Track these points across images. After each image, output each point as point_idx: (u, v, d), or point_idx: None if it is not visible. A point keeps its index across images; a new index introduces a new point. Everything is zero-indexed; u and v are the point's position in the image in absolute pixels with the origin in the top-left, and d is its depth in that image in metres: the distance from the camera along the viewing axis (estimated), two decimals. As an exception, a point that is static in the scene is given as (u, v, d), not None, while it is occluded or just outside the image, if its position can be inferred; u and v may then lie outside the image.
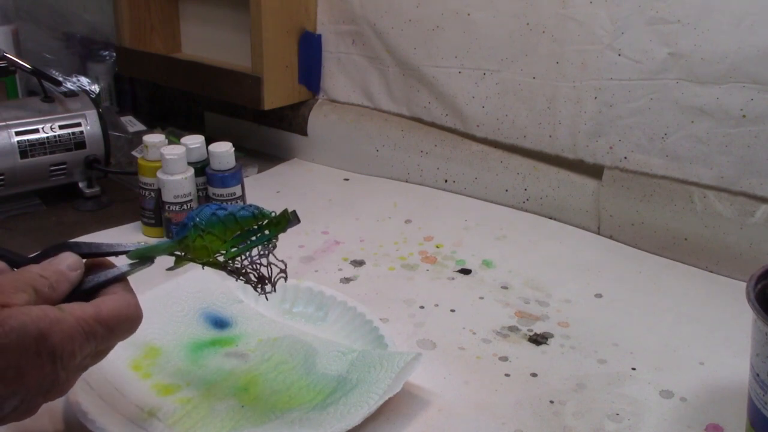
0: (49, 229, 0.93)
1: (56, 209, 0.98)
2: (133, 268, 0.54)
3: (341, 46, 1.09)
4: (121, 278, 0.52)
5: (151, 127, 1.22)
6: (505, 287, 0.79)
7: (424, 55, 1.00)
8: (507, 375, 0.65)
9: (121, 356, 0.63)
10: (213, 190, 0.87)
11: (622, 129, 0.86)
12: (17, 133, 0.95)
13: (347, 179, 1.08)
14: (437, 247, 0.87)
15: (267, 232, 0.55)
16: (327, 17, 1.09)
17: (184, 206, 0.86)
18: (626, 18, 0.83)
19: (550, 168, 0.93)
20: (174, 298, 0.70)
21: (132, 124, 1.23)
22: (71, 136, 0.98)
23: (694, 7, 0.79)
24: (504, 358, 0.67)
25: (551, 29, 0.89)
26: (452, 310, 0.75)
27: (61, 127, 0.97)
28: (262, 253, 0.54)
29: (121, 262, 0.53)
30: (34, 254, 0.53)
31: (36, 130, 0.96)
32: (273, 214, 0.55)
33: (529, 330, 0.71)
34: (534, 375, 0.65)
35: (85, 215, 0.97)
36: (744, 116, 0.78)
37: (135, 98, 1.38)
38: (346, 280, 0.80)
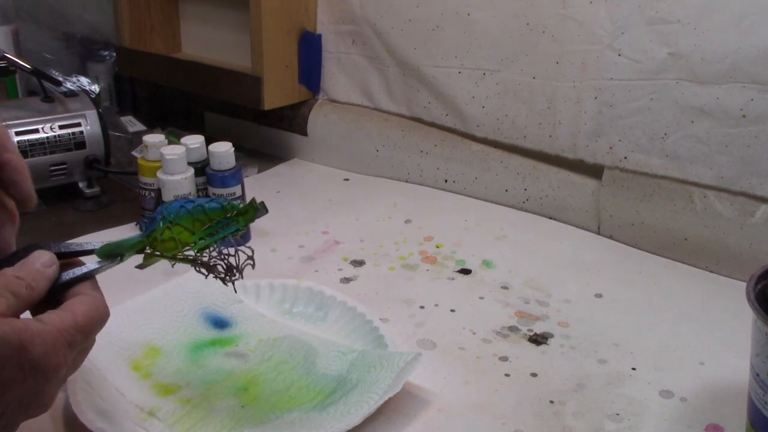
0: (49, 229, 0.93)
1: (56, 209, 0.98)
2: (102, 266, 0.53)
3: (341, 46, 1.09)
4: (89, 276, 0.51)
5: (151, 127, 1.22)
6: (505, 287, 0.79)
7: (424, 55, 1.00)
8: (507, 375, 0.65)
9: (121, 356, 0.63)
10: (213, 190, 0.87)
11: (622, 129, 0.86)
12: (17, 133, 0.95)
13: (347, 179, 1.08)
14: (437, 247, 0.87)
15: (235, 223, 0.54)
16: (327, 17, 1.09)
17: (184, 206, 0.85)
18: (626, 18, 0.83)
19: (550, 168, 0.93)
20: (174, 298, 0.70)
21: (132, 124, 1.23)
22: (71, 136, 0.98)
23: (694, 7, 0.79)
24: (504, 358, 0.67)
25: (551, 29, 0.89)
26: (452, 310, 0.75)
27: (61, 127, 0.97)
28: (231, 243, 0.54)
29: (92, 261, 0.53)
30: (2, 258, 0.52)
31: (36, 130, 0.96)
32: (240, 205, 0.54)
33: (529, 330, 0.71)
34: (534, 375, 0.65)
35: (85, 215, 0.97)
36: (744, 116, 0.78)
37: (135, 98, 1.38)
38: (346, 280, 0.80)
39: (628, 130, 0.85)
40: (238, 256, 0.54)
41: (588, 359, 0.67)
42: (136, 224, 0.55)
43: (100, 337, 0.62)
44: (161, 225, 0.53)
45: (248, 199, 0.57)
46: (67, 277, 0.50)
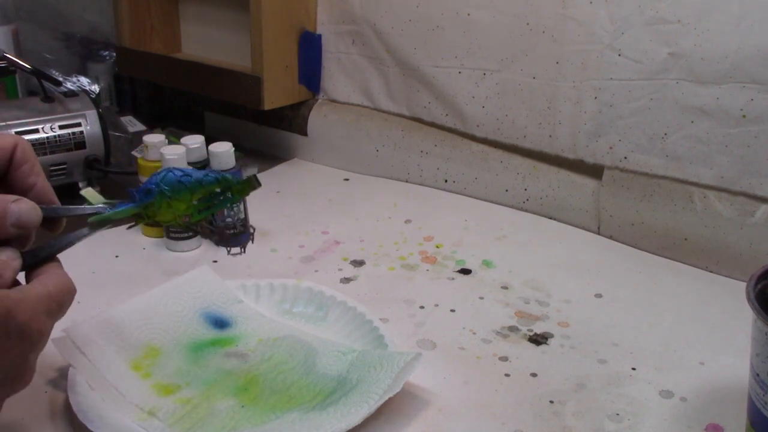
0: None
1: (56, 209, 0.98)
2: (92, 231, 0.53)
3: (341, 46, 1.09)
4: (53, 256, 0.52)
5: (151, 127, 1.22)
6: (505, 287, 0.79)
7: (424, 55, 1.00)
8: (507, 375, 0.65)
9: (121, 356, 0.63)
10: (213, 190, 0.87)
11: (622, 129, 0.86)
12: (17, 133, 0.95)
13: (347, 179, 1.08)
14: (437, 247, 0.87)
15: (229, 195, 0.56)
16: (327, 17, 1.09)
17: (184, 206, 0.85)
18: (626, 18, 0.83)
19: (550, 168, 0.93)
20: (174, 298, 0.70)
21: (132, 124, 1.23)
22: (71, 136, 0.98)
23: (694, 7, 0.79)
24: (504, 358, 0.67)
25: (551, 29, 0.89)
26: (452, 310, 0.75)
27: (61, 127, 0.97)
28: (228, 214, 0.55)
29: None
30: None
31: (36, 130, 0.96)
32: (236, 180, 0.56)
33: (529, 330, 0.71)
34: (534, 375, 0.65)
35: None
36: (744, 116, 0.78)
37: (135, 98, 1.38)
38: (346, 280, 0.80)
39: (628, 130, 0.85)
40: (237, 228, 0.55)
41: (588, 359, 0.67)
42: (128, 191, 0.55)
43: (100, 338, 0.62)
44: (159, 199, 0.54)
45: (244, 176, 0.57)
46: (35, 259, 0.51)
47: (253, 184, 0.56)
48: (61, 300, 0.48)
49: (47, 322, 0.47)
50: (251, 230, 0.56)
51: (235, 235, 0.56)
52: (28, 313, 0.45)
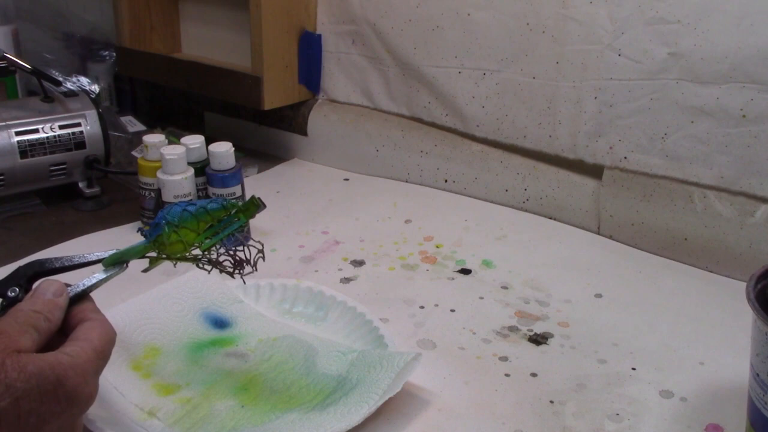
0: (48, 229, 0.93)
1: (56, 209, 0.98)
2: (109, 274, 0.55)
3: (341, 46, 1.09)
4: (84, 295, 0.53)
5: (151, 127, 1.22)
6: (505, 287, 0.79)
7: (424, 55, 1.00)
8: (507, 375, 0.65)
9: (121, 356, 0.63)
10: (213, 190, 0.87)
11: (622, 129, 0.86)
12: (17, 133, 0.95)
13: (347, 179, 1.08)
14: (437, 247, 0.87)
15: (237, 220, 0.56)
16: (327, 17, 1.09)
17: (184, 206, 0.86)
18: (626, 18, 0.83)
19: (550, 168, 0.93)
20: (174, 298, 0.70)
21: (132, 124, 1.23)
22: (71, 136, 0.98)
23: (694, 7, 0.79)
24: (504, 358, 0.67)
25: (551, 29, 0.89)
26: (452, 310, 0.75)
27: (61, 127, 0.97)
28: (236, 239, 0.55)
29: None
30: (5, 277, 0.53)
31: (36, 130, 0.96)
32: (240, 203, 0.56)
33: (529, 330, 0.71)
34: (534, 375, 0.65)
35: (85, 215, 0.97)
36: (744, 116, 0.78)
37: (135, 98, 1.38)
38: (346, 280, 0.80)
39: (628, 130, 0.85)
40: (249, 251, 0.56)
41: (588, 359, 0.67)
42: (138, 231, 0.56)
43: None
44: (167, 230, 0.54)
45: (246, 197, 0.58)
46: (71, 294, 0.52)
47: (257, 204, 0.56)
48: (107, 353, 0.49)
49: (96, 383, 0.48)
50: (261, 245, 0.57)
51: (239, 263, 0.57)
52: (79, 379, 0.45)
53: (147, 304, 0.69)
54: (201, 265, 0.56)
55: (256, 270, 0.57)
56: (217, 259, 0.56)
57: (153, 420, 0.57)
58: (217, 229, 0.55)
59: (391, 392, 0.57)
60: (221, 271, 0.56)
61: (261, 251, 0.56)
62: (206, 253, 0.56)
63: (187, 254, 0.55)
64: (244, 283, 0.58)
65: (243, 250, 0.56)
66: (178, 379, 0.62)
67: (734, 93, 0.78)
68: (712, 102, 0.79)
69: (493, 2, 0.93)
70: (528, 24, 0.91)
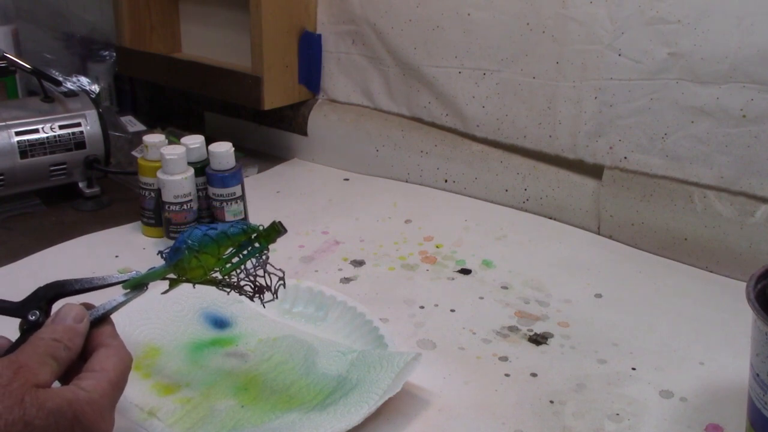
0: (48, 229, 0.93)
1: (56, 209, 0.98)
2: (128, 297, 0.55)
3: (341, 46, 1.09)
4: (104, 318, 0.53)
5: (151, 127, 1.22)
6: (505, 287, 0.79)
7: (424, 55, 1.00)
8: (507, 375, 0.65)
9: (121, 356, 0.63)
10: (213, 190, 0.87)
11: (622, 129, 0.86)
12: (17, 133, 0.95)
13: (347, 179, 1.08)
14: (437, 247, 0.87)
15: (257, 244, 0.55)
16: (327, 17, 1.09)
17: (184, 206, 0.86)
18: (626, 18, 0.83)
19: (550, 168, 0.93)
20: (174, 298, 0.70)
21: (132, 124, 1.23)
22: (71, 136, 0.98)
23: (694, 7, 0.79)
24: (504, 358, 0.67)
25: (551, 29, 0.89)
26: (452, 310, 0.75)
27: (61, 127, 0.97)
28: (256, 264, 0.55)
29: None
30: (24, 299, 0.53)
31: (36, 130, 0.96)
32: (261, 228, 0.55)
33: (529, 330, 0.71)
34: (534, 375, 0.65)
35: (85, 215, 0.97)
36: (744, 116, 0.78)
37: (135, 98, 1.38)
38: (346, 280, 0.80)
39: (628, 130, 0.85)
40: (270, 278, 0.56)
41: (588, 359, 0.67)
42: (159, 254, 0.56)
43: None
44: (187, 254, 0.54)
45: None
46: (91, 318, 0.52)
47: (279, 229, 0.56)
48: (122, 384, 0.49)
49: (111, 416, 0.48)
50: (282, 273, 0.56)
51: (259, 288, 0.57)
52: (96, 415, 0.46)
53: (147, 304, 0.69)
54: (221, 288, 0.56)
55: (277, 297, 0.57)
56: (237, 283, 0.56)
57: (153, 420, 0.57)
58: (237, 252, 0.55)
59: (391, 392, 0.57)
60: (240, 294, 0.56)
61: (282, 278, 0.56)
62: (226, 277, 0.55)
63: (208, 278, 0.55)
64: (264, 307, 0.58)
65: (264, 276, 0.56)
66: (178, 379, 0.62)
67: (734, 93, 0.78)
68: (712, 102, 0.79)
69: (493, 2, 0.93)
70: (528, 24, 0.91)
